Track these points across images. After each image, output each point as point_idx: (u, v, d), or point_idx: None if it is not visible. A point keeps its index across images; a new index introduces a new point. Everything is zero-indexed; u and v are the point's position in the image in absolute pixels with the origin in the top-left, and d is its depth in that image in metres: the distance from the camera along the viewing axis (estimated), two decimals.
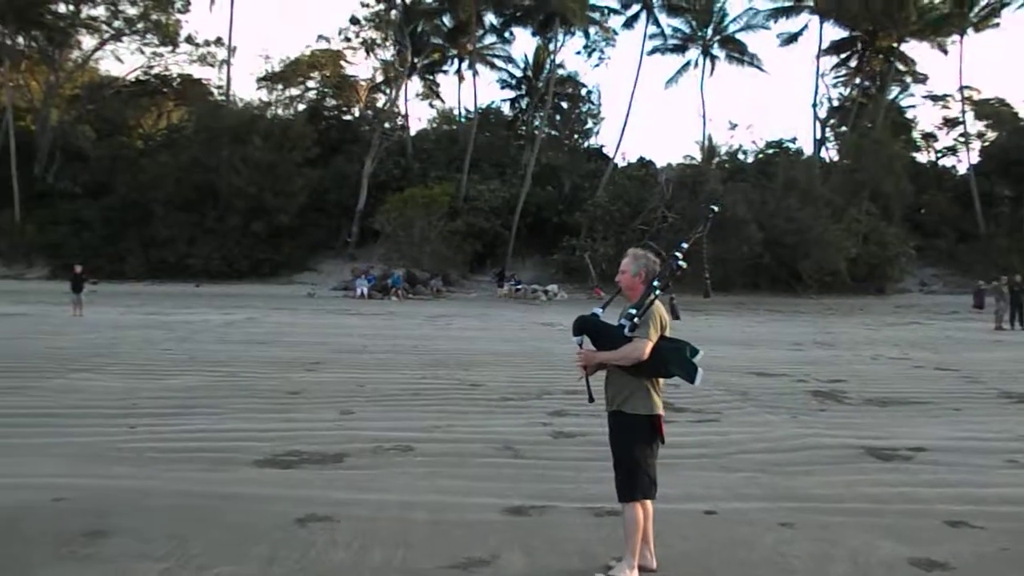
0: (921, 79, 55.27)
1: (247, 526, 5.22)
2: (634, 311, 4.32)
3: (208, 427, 8.29)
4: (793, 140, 52.47)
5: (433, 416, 9.02)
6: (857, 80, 54.05)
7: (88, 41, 52.29)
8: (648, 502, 4.51)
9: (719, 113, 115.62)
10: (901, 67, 52.75)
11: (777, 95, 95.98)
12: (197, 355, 14.35)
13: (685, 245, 4.55)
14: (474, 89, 54.64)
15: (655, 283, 4.39)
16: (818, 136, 53.50)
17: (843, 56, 53.39)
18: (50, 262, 43.01)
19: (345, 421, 8.73)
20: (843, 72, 55.55)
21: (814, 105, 52.14)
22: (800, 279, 42.00)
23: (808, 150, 52.42)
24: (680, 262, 4.43)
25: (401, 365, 13.48)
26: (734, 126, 58.84)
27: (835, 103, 55.76)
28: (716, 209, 5.49)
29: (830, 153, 55.47)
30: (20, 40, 49.68)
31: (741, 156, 52.35)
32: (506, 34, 54.09)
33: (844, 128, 53.09)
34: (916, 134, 57.00)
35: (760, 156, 51.54)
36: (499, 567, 4.61)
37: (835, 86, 56.06)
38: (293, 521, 5.32)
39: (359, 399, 10.09)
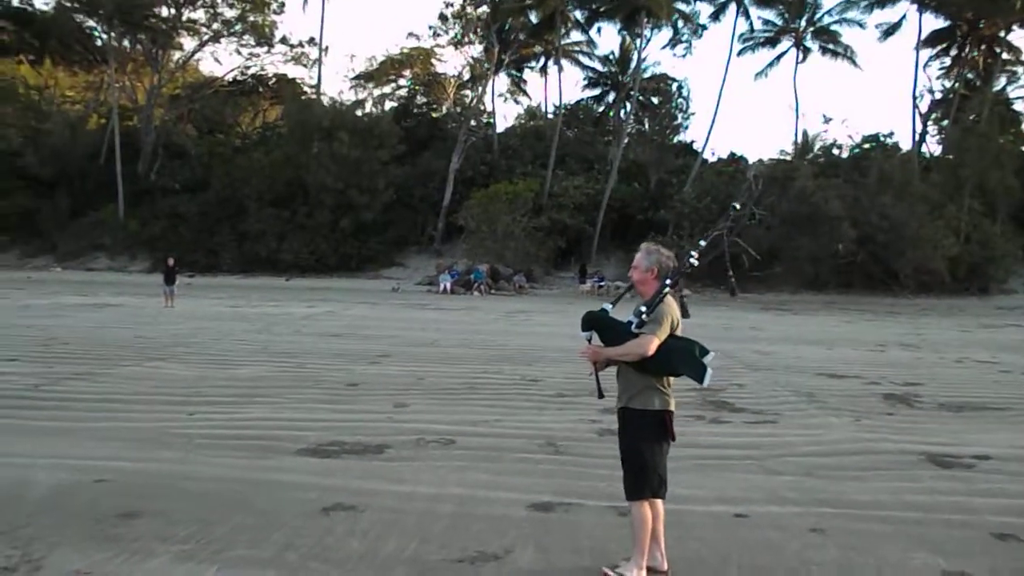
0: None
1: (273, 512, 5.33)
2: (644, 308, 4.23)
3: (262, 416, 8.49)
4: (890, 134, 50.53)
5: (484, 411, 9.04)
6: (961, 70, 51.63)
7: (189, 43, 54.49)
8: (658, 501, 4.42)
9: (813, 107, 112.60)
10: (1008, 56, 50.15)
11: (876, 88, 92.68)
12: (270, 346, 14.75)
13: (703, 243, 4.44)
14: (559, 85, 54.57)
15: (667, 280, 4.29)
16: (918, 130, 51.43)
17: (943, 46, 51.04)
18: (151, 255, 44.87)
19: (396, 413, 8.82)
20: (946, 63, 53.20)
21: (914, 98, 50.15)
22: (896, 278, 40.46)
23: (907, 145, 50.44)
24: (693, 260, 4.32)
25: (466, 359, 13.56)
26: (828, 120, 56.92)
27: (937, 96, 53.46)
28: (737, 207, 5.34)
29: (931, 148, 53.31)
30: (126, 43, 52.01)
31: (835, 151, 50.73)
32: (592, 30, 53.78)
33: (946, 122, 50.84)
34: None
35: (855, 151, 49.81)
36: (508, 562, 4.59)
37: (937, 78, 53.79)
38: (319, 510, 5.41)
39: (415, 392, 10.19)
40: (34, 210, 47.97)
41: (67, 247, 47.83)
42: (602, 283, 40.78)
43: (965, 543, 5.08)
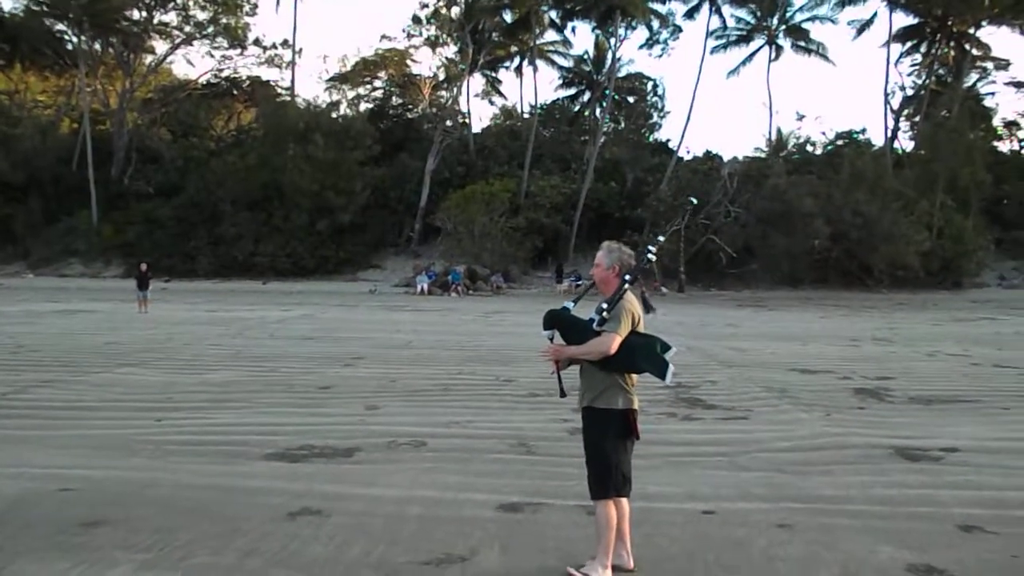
0: (1003, 65, 53.13)
1: (238, 519, 5.27)
2: (605, 305, 4.22)
3: (232, 421, 8.42)
4: (863, 131, 51.00)
5: (456, 412, 9.02)
6: (932, 67, 52.13)
7: (161, 46, 53.99)
8: (623, 500, 4.41)
9: (787, 104, 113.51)
10: (977, 53, 50.71)
11: (849, 84, 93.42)
12: (243, 351, 14.63)
13: (661, 239, 4.44)
14: (534, 85, 54.63)
15: (626, 277, 4.28)
16: (890, 126, 51.90)
17: (914, 43, 51.49)
18: (126, 261, 44.41)
19: (367, 416, 8.78)
20: (917, 60, 53.72)
21: (886, 94, 50.61)
22: (871, 273, 40.83)
23: (880, 141, 50.91)
24: (651, 255, 4.32)
25: (440, 360, 13.52)
26: (801, 117, 57.49)
27: (909, 92, 53.96)
28: (695, 202, 5.39)
29: (904, 144, 53.82)
30: (97, 47, 51.48)
31: (809, 148, 51.12)
32: (567, 29, 53.83)
33: (918, 118, 51.33)
34: (997, 122, 54.78)
35: (829, 148, 50.21)
36: (473, 564, 4.57)
37: (909, 74, 54.32)
38: (285, 515, 5.36)
39: (387, 395, 10.14)
40: (6, 216, 47.37)
41: (40, 253, 47.24)
42: (579, 282, 40.80)
43: (931, 536, 5.10)
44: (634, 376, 4.36)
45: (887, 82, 50.43)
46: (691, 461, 6.95)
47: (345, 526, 5.15)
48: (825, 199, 40.09)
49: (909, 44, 51.73)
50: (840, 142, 50.19)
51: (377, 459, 6.93)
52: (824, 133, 52.70)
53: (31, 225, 47.41)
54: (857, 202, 39.73)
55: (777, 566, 4.57)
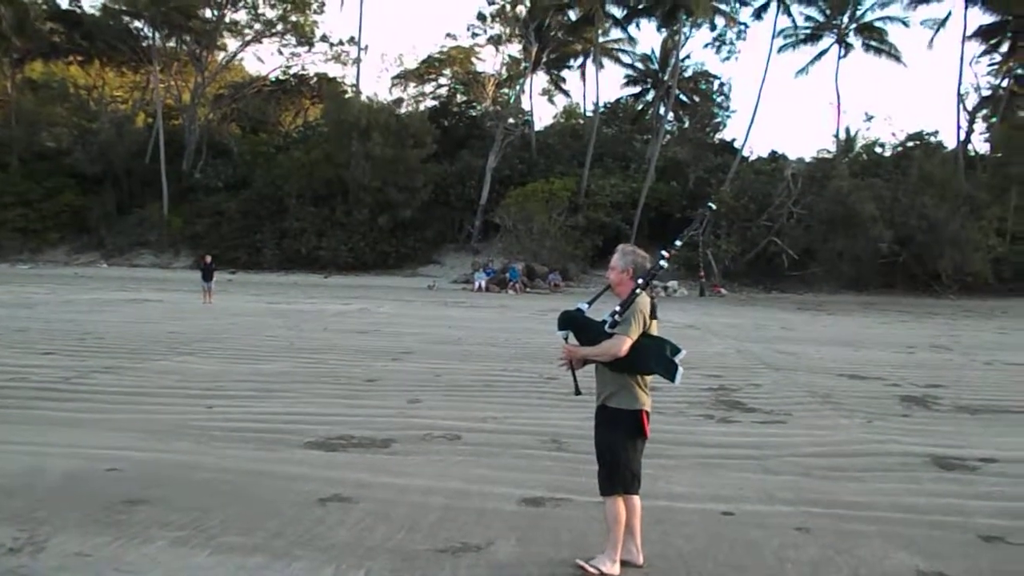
0: None
1: (270, 502, 5.53)
2: (618, 308, 4.34)
3: (277, 410, 8.73)
4: (935, 133, 49.61)
5: (495, 407, 9.18)
6: (1012, 67, 50.34)
7: (232, 43, 55.44)
8: (634, 497, 4.52)
9: (856, 104, 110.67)
10: None
11: (922, 83, 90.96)
12: (296, 342, 15.04)
13: (678, 243, 4.53)
14: (596, 84, 54.37)
15: (639, 280, 4.39)
16: (964, 128, 50.39)
17: (993, 42, 49.79)
18: (194, 252, 45.71)
19: (408, 409, 9.00)
20: (996, 60, 51.94)
21: (959, 94, 49.10)
22: (939, 279, 39.79)
23: (952, 143, 49.48)
24: (663, 262, 4.42)
25: (487, 357, 13.71)
26: (870, 118, 56.06)
27: (986, 92, 52.28)
28: (713, 207, 5.48)
29: (979, 146, 52.22)
30: (171, 44, 53.13)
31: (878, 149, 49.99)
32: (631, 27, 53.53)
33: (995, 119, 49.73)
34: None
35: (898, 149, 49.02)
36: (488, 553, 4.73)
37: (986, 75, 52.63)
38: (315, 500, 5.60)
39: (431, 388, 10.36)
40: (82, 207, 49.21)
41: (114, 244, 48.94)
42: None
43: (950, 544, 5.09)
44: (647, 377, 4.46)
45: (960, 81, 48.87)
46: (720, 463, 6.99)
47: (371, 513, 5.36)
48: (889, 202, 39.22)
49: (990, 43, 49.95)
50: (910, 144, 48.95)
51: (411, 451, 7.14)
52: (894, 134, 51.51)
53: (105, 216, 49.11)
54: (924, 206, 38.77)
55: (786, 568, 4.63)
